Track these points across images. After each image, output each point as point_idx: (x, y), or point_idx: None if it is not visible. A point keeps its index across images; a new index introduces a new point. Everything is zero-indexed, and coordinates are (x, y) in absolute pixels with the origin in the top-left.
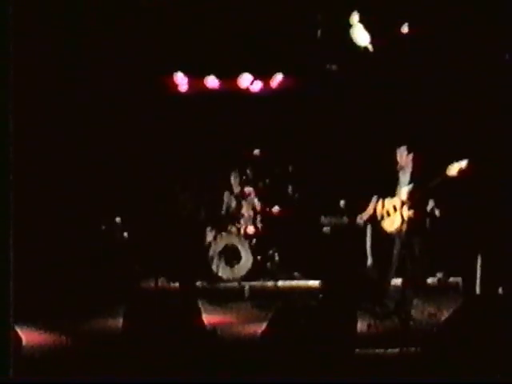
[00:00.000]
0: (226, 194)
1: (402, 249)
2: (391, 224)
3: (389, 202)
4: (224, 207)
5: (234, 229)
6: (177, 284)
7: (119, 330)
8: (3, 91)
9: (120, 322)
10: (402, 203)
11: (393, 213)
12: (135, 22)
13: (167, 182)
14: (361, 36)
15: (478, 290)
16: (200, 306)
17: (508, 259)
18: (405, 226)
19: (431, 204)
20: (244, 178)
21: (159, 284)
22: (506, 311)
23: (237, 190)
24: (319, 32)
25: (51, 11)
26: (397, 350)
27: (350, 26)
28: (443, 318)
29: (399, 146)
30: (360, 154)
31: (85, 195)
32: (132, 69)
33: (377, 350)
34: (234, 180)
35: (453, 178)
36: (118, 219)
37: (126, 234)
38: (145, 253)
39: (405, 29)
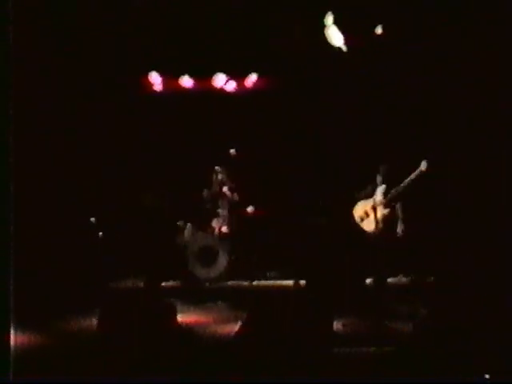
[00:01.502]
0: (203, 193)
1: (376, 249)
2: (370, 224)
3: (366, 203)
4: (201, 207)
5: (210, 228)
6: (152, 284)
7: (94, 329)
8: None
9: (94, 321)
10: (379, 203)
11: (371, 213)
12: (111, 21)
13: (140, 183)
14: (335, 36)
15: (450, 290)
16: (176, 306)
17: (482, 258)
18: (381, 226)
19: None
20: (220, 177)
21: (135, 284)
22: (478, 310)
23: (213, 189)
24: (294, 32)
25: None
26: (373, 348)
27: (325, 26)
28: (417, 317)
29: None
30: (337, 154)
31: (58, 196)
32: (107, 68)
33: (353, 349)
34: (210, 180)
35: (426, 175)
36: (92, 219)
37: (100, 234)
38: (120, 253)
39: (379, 30)
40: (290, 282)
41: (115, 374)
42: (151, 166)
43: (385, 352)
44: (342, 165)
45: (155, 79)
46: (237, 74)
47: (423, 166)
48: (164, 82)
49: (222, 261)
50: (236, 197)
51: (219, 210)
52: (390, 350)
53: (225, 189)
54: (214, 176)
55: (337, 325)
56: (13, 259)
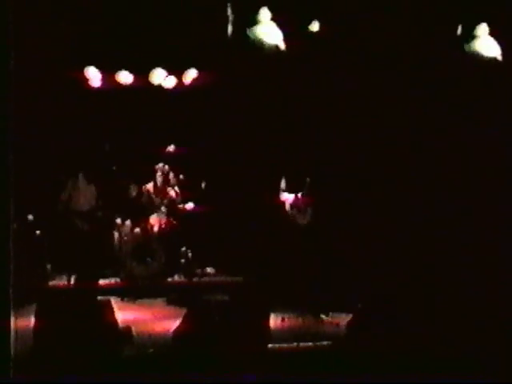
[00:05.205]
0: (141, 190)
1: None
2: (304, 217)
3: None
4: (138, 204)
5: (148, 225)
6: (85, 282)
7: (30, 329)
8: None
9: (31, 321)
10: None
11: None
12: (47, 17)
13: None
14: (272, 33)
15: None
16: (113, 303)
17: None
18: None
19: None
20: (159, 174)
21: (71, 282)
22: (413, 305)
23: (151, 186)
24: (230, 28)
25: None
26: (310, 344)
27: (260, 22)
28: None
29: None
30: (273, 151)
31: None
32: (44, 63)
33: (290, 345)
34: (148, 176)
35: None
36: (30, 217)
37: (38, 232)
38: (56, 251)
39: (315, 27)
40: (228, 279)
41: (54, 373)
42: (88, 163)
43: (321, 347)
44: (278, 161)
45: (93, 74)
46: (176, 69)
47: None
48: (102, 78)
49: (160, 257)
50: (174, 193)
51: (157, 207)
52: (327, 344)
53: (162, 185)
54: (152, 172)
55: (276, 320)
56: None
